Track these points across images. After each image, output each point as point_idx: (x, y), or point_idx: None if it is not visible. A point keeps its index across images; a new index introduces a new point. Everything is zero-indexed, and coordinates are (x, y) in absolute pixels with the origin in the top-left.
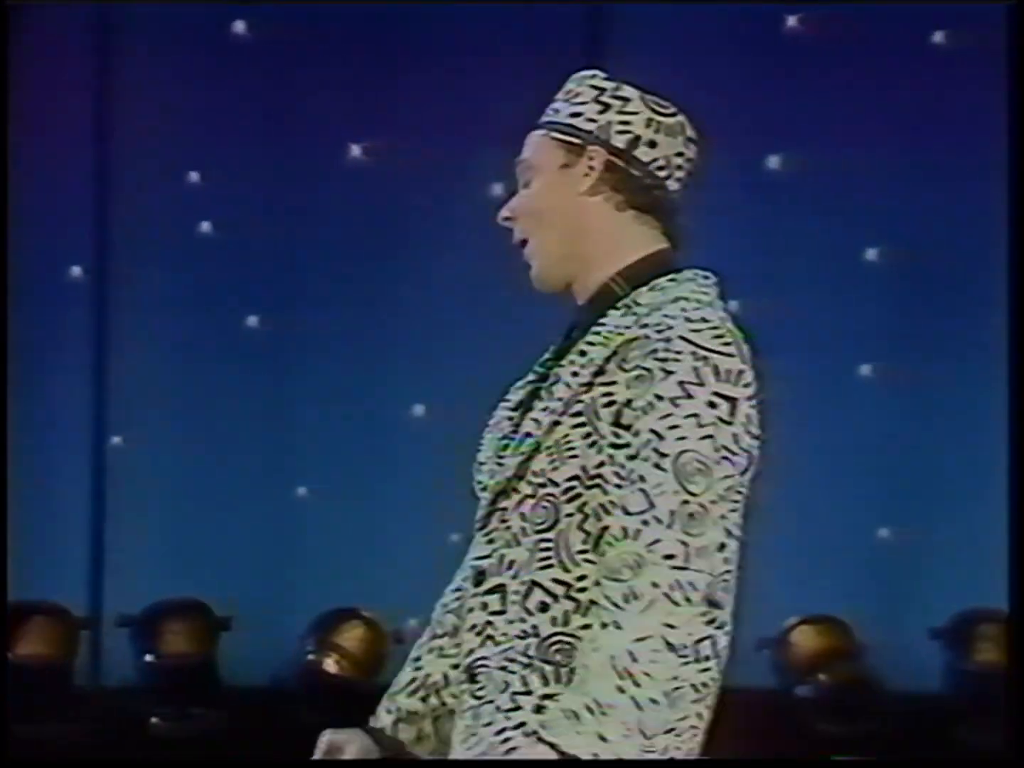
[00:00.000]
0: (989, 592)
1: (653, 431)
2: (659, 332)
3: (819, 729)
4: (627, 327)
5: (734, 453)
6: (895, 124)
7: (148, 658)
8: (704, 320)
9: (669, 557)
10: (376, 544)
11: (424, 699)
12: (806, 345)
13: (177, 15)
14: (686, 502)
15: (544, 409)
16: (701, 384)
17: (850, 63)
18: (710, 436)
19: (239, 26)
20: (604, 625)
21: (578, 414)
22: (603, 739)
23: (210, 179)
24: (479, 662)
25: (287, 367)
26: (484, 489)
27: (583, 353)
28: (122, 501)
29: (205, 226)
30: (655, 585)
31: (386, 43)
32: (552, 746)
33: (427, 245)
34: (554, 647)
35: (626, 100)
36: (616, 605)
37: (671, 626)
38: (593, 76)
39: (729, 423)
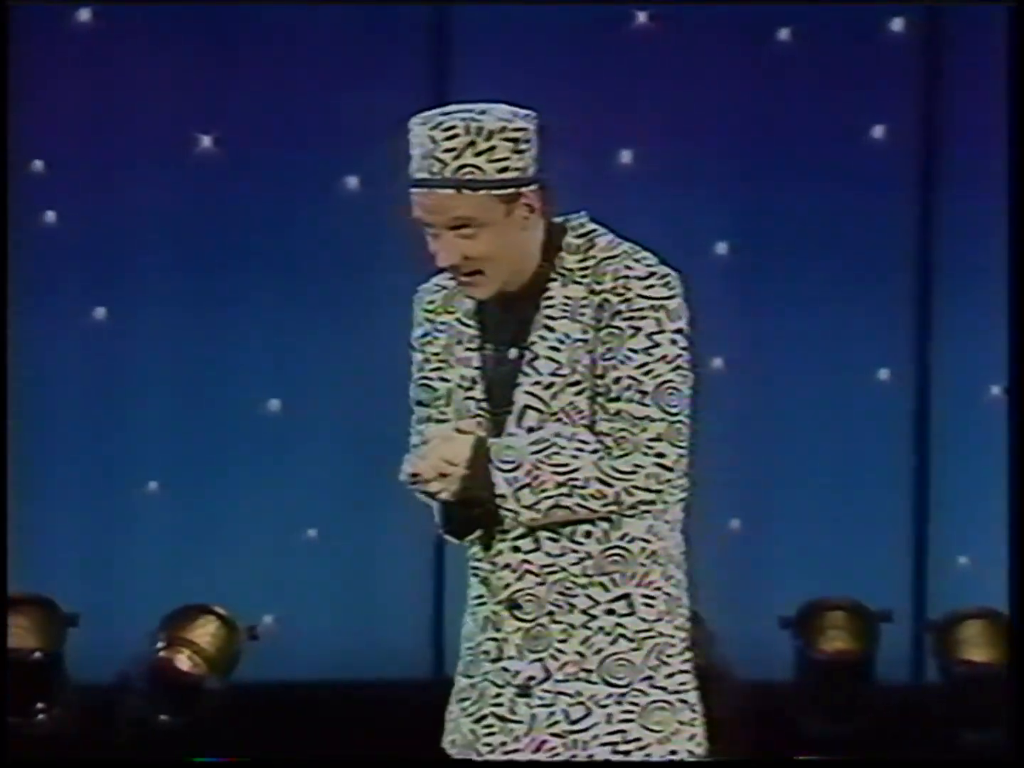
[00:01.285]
0: (836, 582)
1: (632, 377)
2: (619, 295)
3: None
4: (583, 298)
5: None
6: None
7: None
8: (648, 272)
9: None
10: (229, 540)
11: None
12: None
13: None
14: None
15: (537, 383)
16: (661, 331)
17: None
18: (678, 367)
19: (84, 14)
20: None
21: (576, 383)
22: None
23: (55, 168)
24: (522, 592)
25: (137, 360)
26: None
27: (550, 328)
28: None
29: (50, 216)
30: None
31: (237, 32)
32: None
33: (280, 237)
34: (609, 559)
35: (524, 130)
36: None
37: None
38: (493, 128)
39: (685, 349)
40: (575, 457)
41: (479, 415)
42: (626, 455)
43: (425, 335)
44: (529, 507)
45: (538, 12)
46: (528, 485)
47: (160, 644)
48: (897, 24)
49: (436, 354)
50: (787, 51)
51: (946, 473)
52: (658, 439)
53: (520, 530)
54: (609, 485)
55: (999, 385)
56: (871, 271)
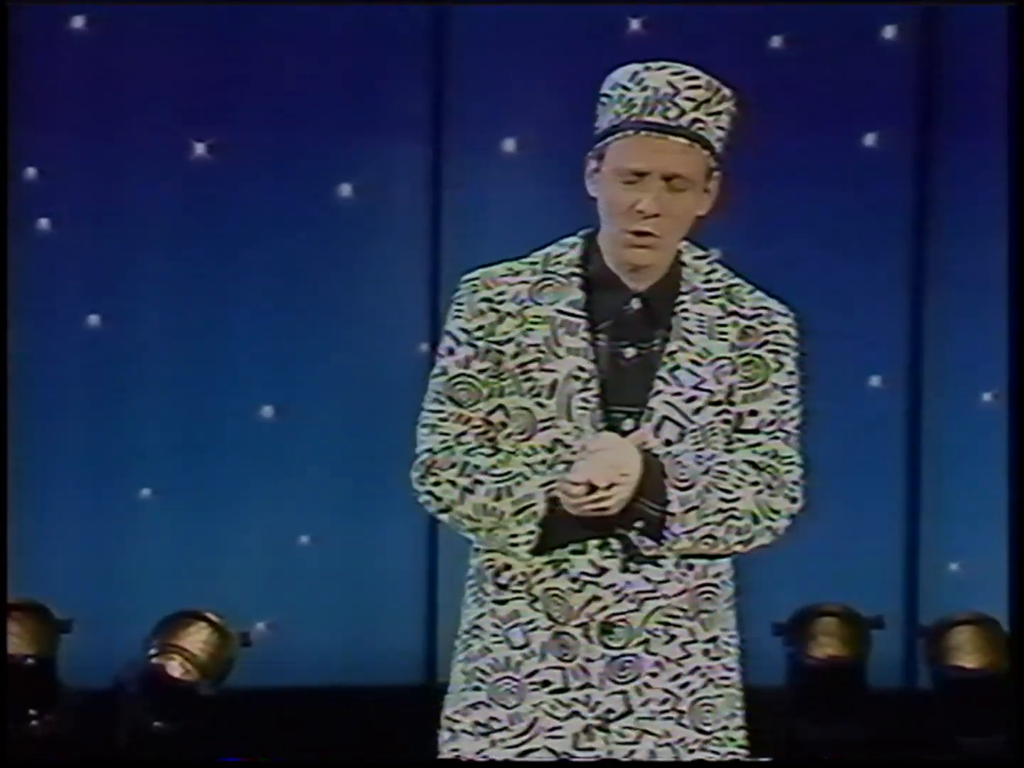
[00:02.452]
0: (828, 588)
1: (774, 412)
2: (765, 326)
3: None
4: (718, 317)
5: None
6: None
7: None
8: (787, 310)
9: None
10: (223, 546)
11: None
12: None
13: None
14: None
15: (678, 394)
16: (796, 373)
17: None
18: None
19: (78, 21)
20: None
21: (717, 402)
22: None
23: (48, 176)
24: (616, 617)
25: (131, 367)
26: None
27: (689, 341)
28: None
29: (43, 223)
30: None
31: (231, 39)
32: None
33: (275, 244)
34: (703, 595)
35: (736, 107)
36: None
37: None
38: (726, 94)
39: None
40: (738, 487)
41: (588, 411)
42: (775, 494)
43: (483, 327)
44: (690, 531)
45: (532, 21)
46: (696, 508)
47: (153, 650)
48: (891, 31)
49: (535, 345)
50: (781, 58)
51: (938, 479)
52: (797, 484)
53: (618, 549)
54: (757, 522)
55: (991, 392)
56: (864, 278)
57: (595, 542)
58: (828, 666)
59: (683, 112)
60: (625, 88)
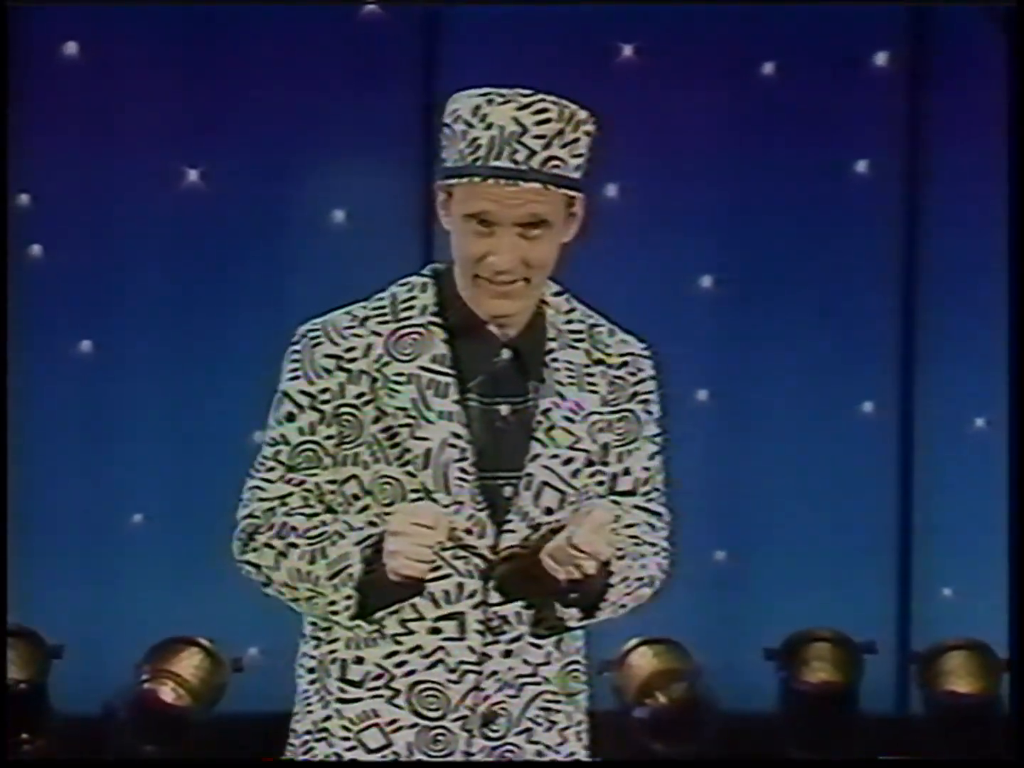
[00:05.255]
0: (820, 614)
1: (646, 468)
2: (632, 375)
3: (655, 749)
4: (585, 365)
5: None
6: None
7: None
8: (644, 347)
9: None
10: (214, 572)
11: None
12: None
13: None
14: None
15: (555, 457)
16: (661, 417)
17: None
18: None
19: (71, 47)
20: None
21: (591, 463)
22: None
23: (41, 202)
24: (498, 706)
25: (122, 393)
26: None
27: (561, 396)
28: None
29: (36, 249)
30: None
31: (223, 66)
32: None
33: (265, 271)
34: (571, 674)
35: (594, 125)
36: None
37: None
38: (581, 117)
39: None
40: (644, 554)
41: (467, 482)
42: (663, 556)
43: (329, 389)
44: (613, 602)
45: (524, 47)
46: (625, 578)
47: (144, 676)
48: (881, 58)
49: (402, 409)
50: (771, 85)
51: (930, 505)
52: (665, 540)
53: (504, 630)
54: (651, 585)
55: (983, 417)
56: (855, 304)
57: (474, 625)
58: (820, 691)
59: (533, 153)
60: (469, 125)
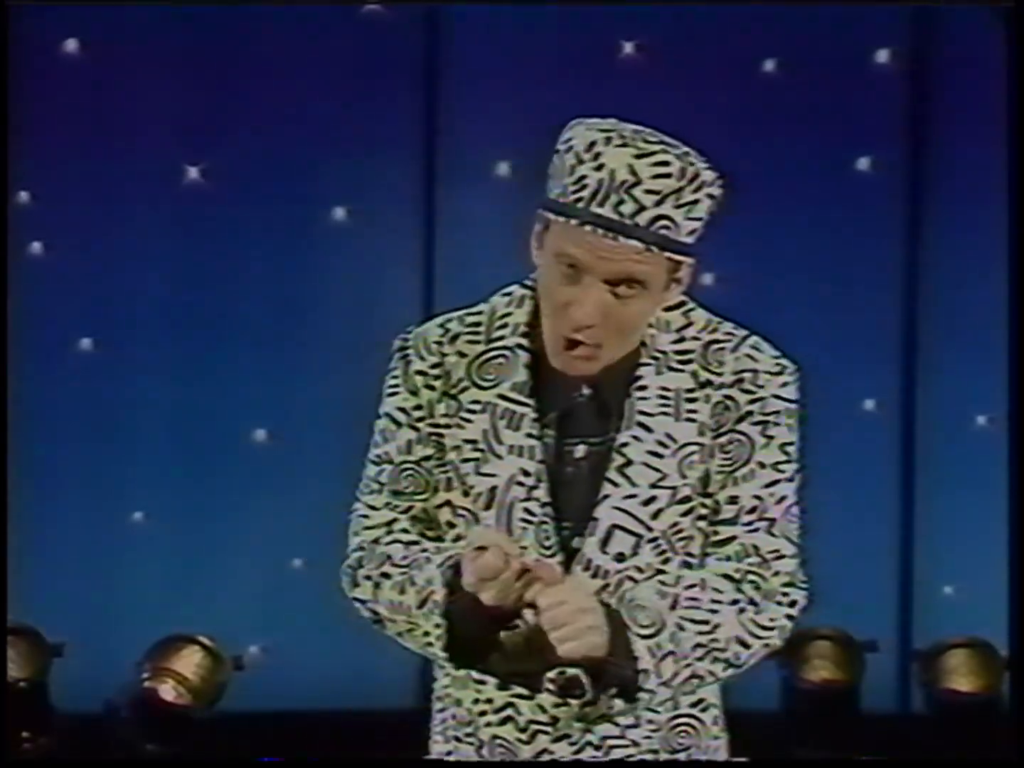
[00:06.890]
0: (822, 612)
1: (757, 497)
2: (748, 393)
3: None
4: (688, 390)
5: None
6: None
7: None
8: (780, 366)
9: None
10: (215, 570)
11: None
12: None
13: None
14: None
15: (631, 497)
16: (792, 442)
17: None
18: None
19: (71, 44)
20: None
21: (685, 499)
22: None
23: (40, 199)
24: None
25: (123, 391)
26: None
27: (646, 427)
28: None
29: (36, 247)
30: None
31: (224, 63)
32: None
33: (268, 268)
34: (677, 731)
35: (721, 188)
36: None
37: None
38: (706, 178)
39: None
40: (714, 611)
41: (533, 524)
42: (762, 609)
43: (422, 407)
44: (667, 680)
45: (526, 44)
46: (672, 653)
47: (145, 674)
48: (883, 55)
49: (471, 441)
50: (773, 82)
51: (932, 503)
52: (791, 584)
53: (579, 690)
54: (747, 646)
55: (985, 415)
56: (857, 301)
57: (546, 684)
58: (822, 689)
59: (641, 208)
60: (579, 160)
